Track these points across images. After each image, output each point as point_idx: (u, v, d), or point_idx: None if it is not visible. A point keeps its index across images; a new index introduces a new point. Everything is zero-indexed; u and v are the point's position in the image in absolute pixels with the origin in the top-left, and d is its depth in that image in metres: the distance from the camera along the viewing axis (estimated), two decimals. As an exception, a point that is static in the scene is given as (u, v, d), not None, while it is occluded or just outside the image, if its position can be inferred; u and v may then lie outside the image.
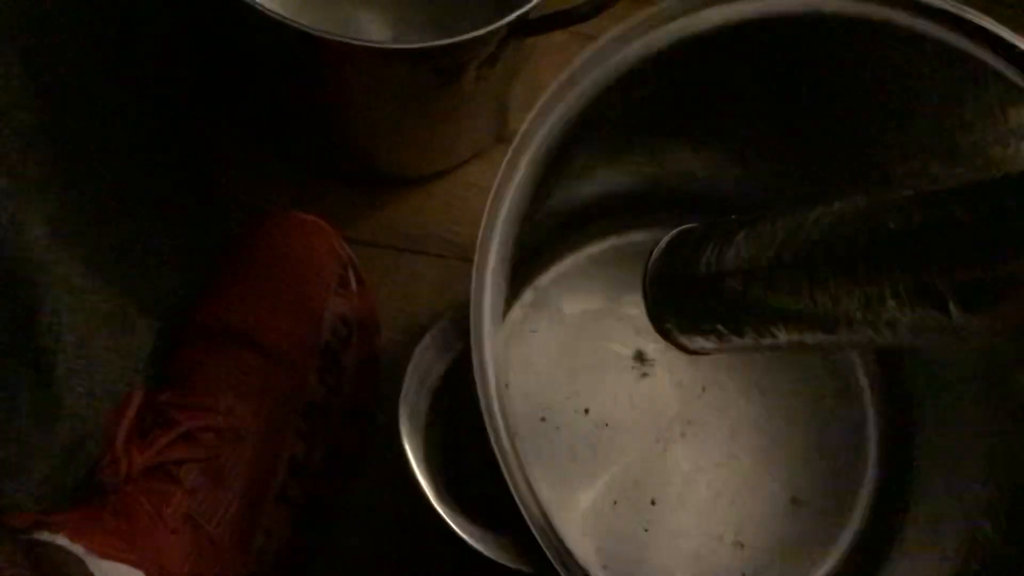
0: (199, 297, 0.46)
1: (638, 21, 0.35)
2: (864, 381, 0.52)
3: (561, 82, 0.34)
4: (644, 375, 0.50)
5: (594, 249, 0.52)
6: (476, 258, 0.33)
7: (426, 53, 0.40)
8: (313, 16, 0.50)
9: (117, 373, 0.41)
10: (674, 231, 0.43)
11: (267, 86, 0.50)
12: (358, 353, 0.47)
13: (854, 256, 0.30)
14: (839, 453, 0.50)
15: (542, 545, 0.30)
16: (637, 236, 0.52)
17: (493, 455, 0.31)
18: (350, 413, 0.47)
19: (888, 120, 0.42)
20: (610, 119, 0.40)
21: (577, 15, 0.42)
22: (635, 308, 0.50)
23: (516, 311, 0.50)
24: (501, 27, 0.40)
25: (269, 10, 0.38)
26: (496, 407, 0.31)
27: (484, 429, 0.31)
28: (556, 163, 0.36)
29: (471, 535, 0.33)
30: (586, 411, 0.49)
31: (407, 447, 0.35)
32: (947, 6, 0.37)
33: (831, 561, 0.49)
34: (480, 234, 0.33)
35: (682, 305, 0.41)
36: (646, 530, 0.47)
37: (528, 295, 0.50)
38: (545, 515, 0.31)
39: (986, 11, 0.37)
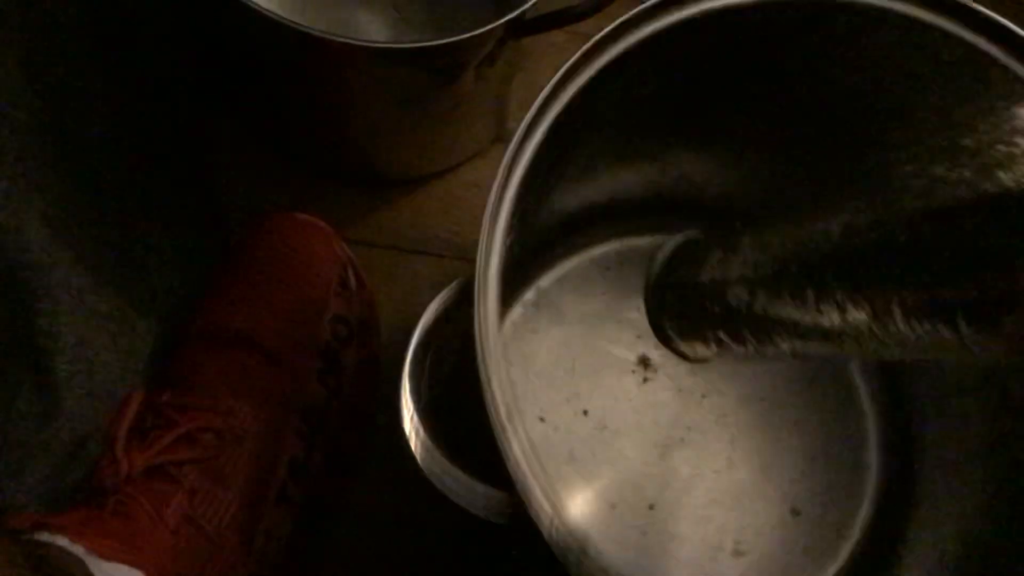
0: (199, 298, 0.46)
1: (631, 15, 0.35)
2: (865, 390, 0.51)
3: (556, 80, 0.34)
4: (644, 379, 0.49)
5: (597, 251, 0.52)
6: (482, 236, 0.32)
7: (424, 53, 0.40)
8: (312, 16, 0.50)
9: (117, 374, 0.41)
10: (678, 238, 0.43)
11: (267, 86, 0.50)
12: (358, 354, 0.47)
13: (862, 268, 0.30)
14: (840, 462, 0.50)
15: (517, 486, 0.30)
16: (640, 240, 0.52)
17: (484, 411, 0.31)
18: (350, 414, 0.47)
19: (890, 119, 0.42)
20: (609, 119, 0.40)
21: (574, 14, 0.42)
22: (636, 312, 0.49)
23: (517, 310, 0.50)
24: (499, 26, 0.40)
25: (268, 10, 0.38)
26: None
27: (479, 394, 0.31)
28: (556, 162, 0.36)
29: (461, 487, 0.33)
30: (585, 413, 0.49)
31: (405, 400, 0.34)
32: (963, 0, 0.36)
33: (832, 571, 0.48)
34: (488, 209, 0.32)
35: (684, 312, 0.41)
36: (644, 534, 0.47)
37: (530, 295, 0.50)
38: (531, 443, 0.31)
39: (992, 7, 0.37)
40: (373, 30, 0.51)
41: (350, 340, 0.47)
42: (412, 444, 0.34)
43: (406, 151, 0.53)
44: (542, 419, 0.48)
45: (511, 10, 0.40)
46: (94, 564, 0.35)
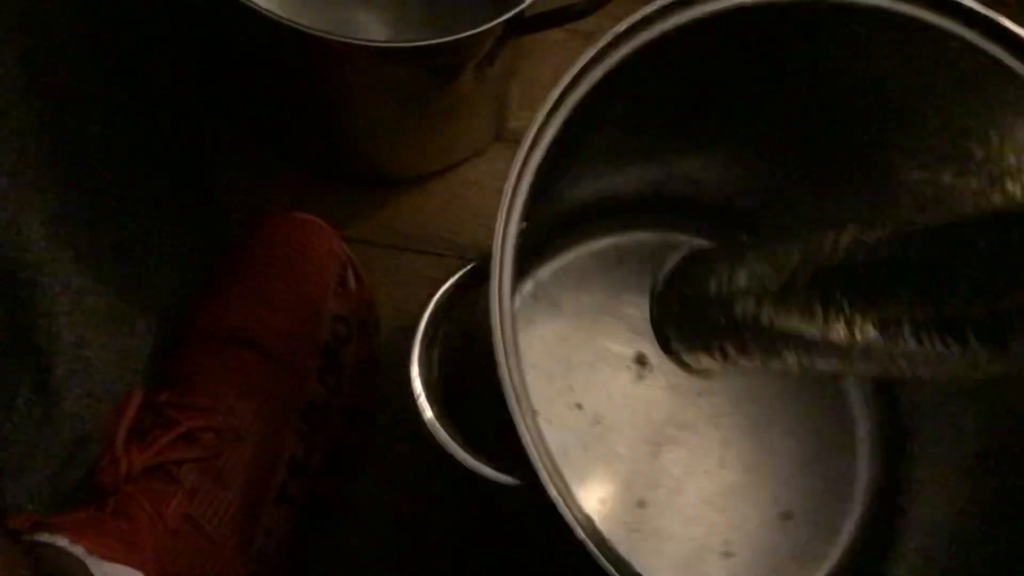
0: (199, 297, 0.46)
1: (642, 15, 0.35)
2: (857, 395, 0.51)
3: (574, 74, 0.34)
4: (640, 376, 0.49)
5: (597, 245, 0.51)
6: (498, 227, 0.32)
7: (423, 52, 0.40)
8: (311, 16, 0.50)
9: (116, 374, 0.41)
10: (684, 249, 0.43)
11: (266, 86, 0.50)
12: (358, 353, 0.47)
13: (871, 282, 0.30)
14: (831, 467, 0.50)
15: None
16: (641, 235, 0.52)
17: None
18: (350, 413, 0.47)
19: (899, 125, 0.41)
20: (613, 116, 0.40)
21: (573, 12, 0.42)
22: (634, 308, 0.49)
23: (515, 302, 0.50)
24: (497, 25, 0.40)
25: (268, 10, 0.38)
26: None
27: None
28: (561, 157, 0.36)
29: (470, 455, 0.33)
30: (579, 407, 0.48)
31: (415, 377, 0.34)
32: (976, 7, 0.36)
33: (820, 575, 0.48)
34: (503, 201, 0.32)
35: (690, 323, 0.41)
36: (632, 532, 0.47)
37: (528, 286, 0.50)
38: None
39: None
40: (373, 29, 0.51)
41: (350, 339, 0.47)
42: (423, 420, 0.34)
43: (406, 150, 0.53)
44: (535, 412, 0.48)
45: (510, 8, 0.40)
46: (94, 564, 0.35)
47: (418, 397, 0.34)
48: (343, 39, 0.39)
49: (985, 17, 0.36)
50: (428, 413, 0.34)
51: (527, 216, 0.33)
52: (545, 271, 0.50)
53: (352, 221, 0.53)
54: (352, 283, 0.47)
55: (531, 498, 0.30)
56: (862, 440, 0.50)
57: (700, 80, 0.41)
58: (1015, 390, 0.42)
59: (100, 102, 0.41)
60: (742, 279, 0.36)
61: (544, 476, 0.30)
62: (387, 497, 0.49)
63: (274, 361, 0.43)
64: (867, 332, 0.30)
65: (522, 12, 0.41)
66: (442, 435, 0.33)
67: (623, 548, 0.46)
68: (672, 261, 0.43)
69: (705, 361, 0.41)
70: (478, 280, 0.36)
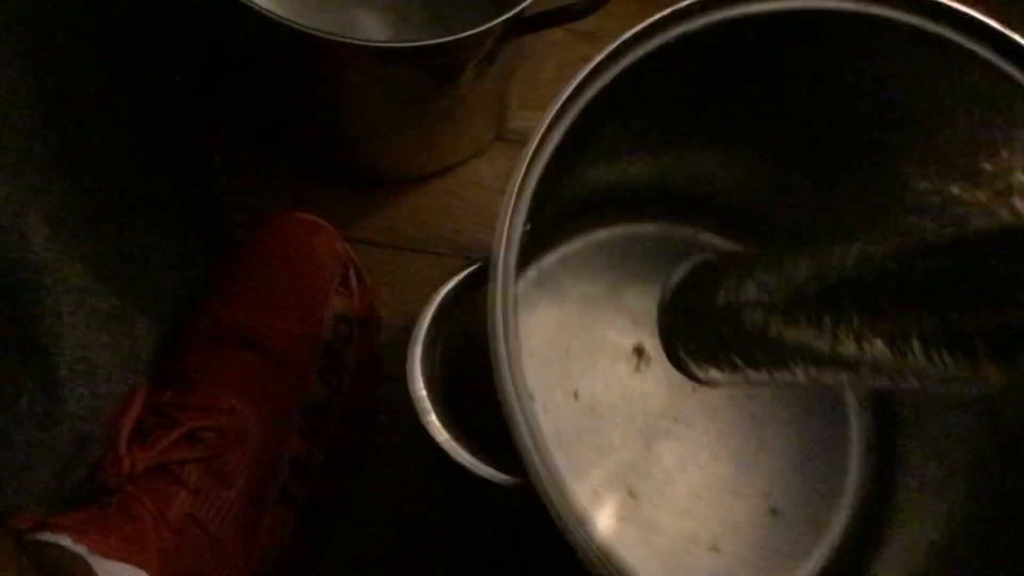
0: (200, 297, 0.46)
1: (650, 23, 0.35)
2: (853, 399, 0.51)
3: (585, 75, 0.34)
4: (638, 367, 0.49)
5: (602, 235, 0.51)
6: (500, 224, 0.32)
7: (423, 52, 0.40)
8: (312, 16, 0.50)
9: (119, 374, 0.41)
10: (693, 260, 0.43)
11: (267, 86, 0.50)
12: (359, 352, 0.47)
13: (881, 296, 0.30)
14: (822, 466, 0.50)
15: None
16: (646, 227, 0.52)
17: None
18: (351, 413, 0.47)
19: (909, 135, 0.41)
20: (616, 120, 0.40)
21: (573, 12, 0.42)
22: (636, 299, 0.49)
23: (518, 286, 0.50)
24: (497, 25, 0.40)
25: (268, 11, 0.38)
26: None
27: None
28: (569, 154, 0.36)
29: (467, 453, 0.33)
30: (576, 395, 0.48)
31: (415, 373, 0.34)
32: (993, 24, 0.36)
33: (804, 574, 0.48)
34: (508, 198, 0.32)
35: (698, 334, 0.41)
36: (621, 521, 0.47)
37: (532, 272, 0.50)
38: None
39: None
40: (373, 29, 0.51)
41: (351, 339, 0.47)
42: (423, 421, 0.34)
43: (406, 150, 0.53)
44: (531, 398, 0.48)
45: (510, 8, 0.40)
46: (97, 563, 0.35)
47: (419, 398, 0.34)
48: (343, 39, 0.39)
49: (994, 31, 0.36)
50: (429, 414, 0.34)
51: (531, 218, 0.33)
52: (550, 258, 0.50)
53: (353, 221, 0.53)
54: (354, 283, 0.47)
55: (528, 498, 0.30)
56: (855, 440, 0.50)
57: (700, 82, 0.41)
58: (1010, 407, 0.42)
59: (101, 103, 0.41)
60: (751, 291, 0.36)
61: (541, 482, 0.30)
62: (387, 497, 0.49)
63: (276, 361, 0.43)
64: (876, 346, 0.30)
65: (522, 12, 0.41)
66: (442, 435, 0.33)
67: (610, 537, 0.46)
68: (680, 273, 0.43)
69: (712, 372, 0.42)
70: (481, 280, 0.36)
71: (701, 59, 0.38)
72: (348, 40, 0.39)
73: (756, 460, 0.49)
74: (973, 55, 0.36)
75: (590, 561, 0.29)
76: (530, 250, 0.49)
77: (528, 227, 0.33)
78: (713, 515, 0.48)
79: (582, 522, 0.30)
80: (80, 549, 0.35)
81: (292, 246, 0.46)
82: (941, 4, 0.36)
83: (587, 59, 0.34)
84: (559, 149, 0.34)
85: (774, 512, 0.48)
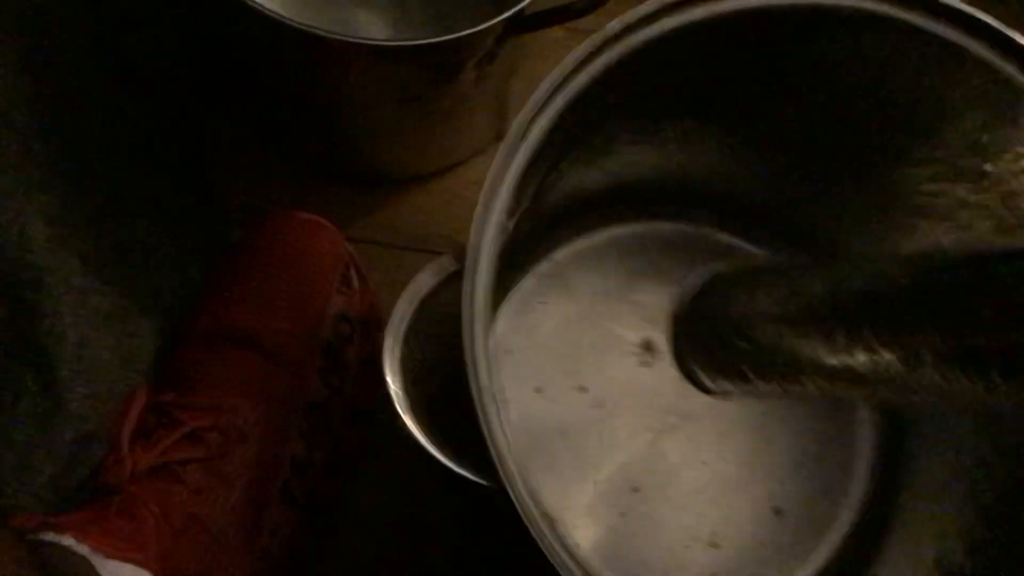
0: (201, 297, 0.46)
1: (637, 17, 0.35)
2: (861, 401, 0.51)
3: (565, 72, 0.34)
4: (646, 363, 0.49)
5: (616, 231, 0.51)
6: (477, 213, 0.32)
7: (423, 50, 0.40)
8: (312, 16, 0.50)
9: (119, 374, 0.41)
10: (706, 272, 0.43)
11: (267, 86, 0.50)
12: (360, 352, 0.47)
13: (894, 311, 0.30)
14: (827, 467, 0.50)
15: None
16: (660, 225, 0.52)
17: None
18: (351, 412, 0.47)
19: (916, 136, 0.41)
20: (619, 107, 0.40)
21: (574, 11, 0.42)
22: (646, 295, 0.49)
23: (529, 280, 0.49)
24: (497, 24, 0.40)
25: (269, 9, 0.38)
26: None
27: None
28: (565, 145, 0.36)
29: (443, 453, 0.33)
30: (583, 389, 0.48)
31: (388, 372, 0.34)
32: (998, 25, 0.36)
33: (805, 574, 0.48)
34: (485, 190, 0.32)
35: (710, 345, 0.41)
36: (623, 515, 0.47)
37: (544, 266, 0.50)
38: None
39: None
40: (373, 28, 0.51)
41: (352, 339, 0.47)
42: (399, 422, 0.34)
43: (406, 150, 0.53)
44: (539, 390, 0.48)
45: (510, 7, 0.40)
46: (99, 563, 0.35)
47: (393, 393, 0.34)
48: (343, 38, 0.39)
49: (996, 31, 0.36)
50: (404, 415, 0.34)
51: (512, 212, 0.33)
52: (562, 253, 0.50)
53: (353, 221, 0.53)
54: (354, 282, 0.48)
55: (502, 500, 0.30)
56: (860, 443, 0.50)
57: (698, 80, 0.41)
58: (1015, 416, 0.42)
59: (101, 102, 0.41)
60: (764, 304, 0.36)
61: (506, 478, 0.30)
62: (387, 497, 0.49)
63: (276, 361, 0.43)
64: (889, 362, 0.30)
65: (522, 10, 0.41)
66: (416, 435, 0.33)
67: (611, 531, 0.46)
68: (693, 283, 0.43)
69: (724, 383, 0.41)
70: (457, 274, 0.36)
71: (696, 54, 0.38)
72: (348, 39, 0.39)
73: (761, 459, 0.49)
74: (968, 52, 0.36)
75: (566, 567, 0.29)
76: (542, 244, 0.49)
77: (512, 222, 0.33)
78: (715, 512, 0.48)
79: (554, 523, 0.30)
80: (82, 549, 0.35)
81: (292, 246, 0.46)
82: (941, 4, 0.36)
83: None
84: (544, 142, 0.34)
85: (777, 511, 0.48)
